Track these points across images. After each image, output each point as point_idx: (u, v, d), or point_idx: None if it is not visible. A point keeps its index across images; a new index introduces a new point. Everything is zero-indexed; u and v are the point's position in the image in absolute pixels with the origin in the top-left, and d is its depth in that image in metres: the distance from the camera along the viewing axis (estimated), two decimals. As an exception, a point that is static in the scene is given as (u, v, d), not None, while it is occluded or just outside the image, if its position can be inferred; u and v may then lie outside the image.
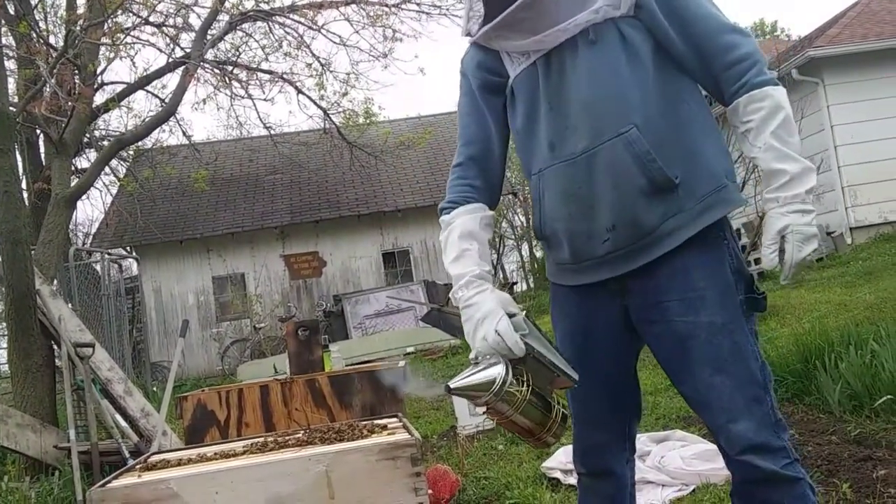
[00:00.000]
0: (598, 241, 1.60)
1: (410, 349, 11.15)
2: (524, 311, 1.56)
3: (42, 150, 12.07)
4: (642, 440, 3.74)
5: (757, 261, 10.96)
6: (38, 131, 10.92)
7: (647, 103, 1.56)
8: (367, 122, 15.21)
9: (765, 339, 5.33)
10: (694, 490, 3.12)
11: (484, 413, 1.52)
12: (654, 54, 1.58)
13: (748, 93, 1.55)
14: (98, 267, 10.59)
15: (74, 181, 8.58)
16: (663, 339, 1.62)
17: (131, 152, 15.08)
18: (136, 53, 12.10)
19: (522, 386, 1.47)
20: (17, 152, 6.32)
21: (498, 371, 1.46)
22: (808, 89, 11.42)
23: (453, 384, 1.50)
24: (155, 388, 9.96)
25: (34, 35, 8.81)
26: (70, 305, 6.45)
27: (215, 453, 1.35)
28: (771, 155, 1.52)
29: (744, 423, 1.53)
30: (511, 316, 1.54)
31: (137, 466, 1.31)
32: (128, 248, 15.52)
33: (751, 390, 1.54)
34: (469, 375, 1.50)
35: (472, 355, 1.57)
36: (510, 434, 4.63)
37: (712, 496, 2.96)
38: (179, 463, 1.30)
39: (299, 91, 13.92)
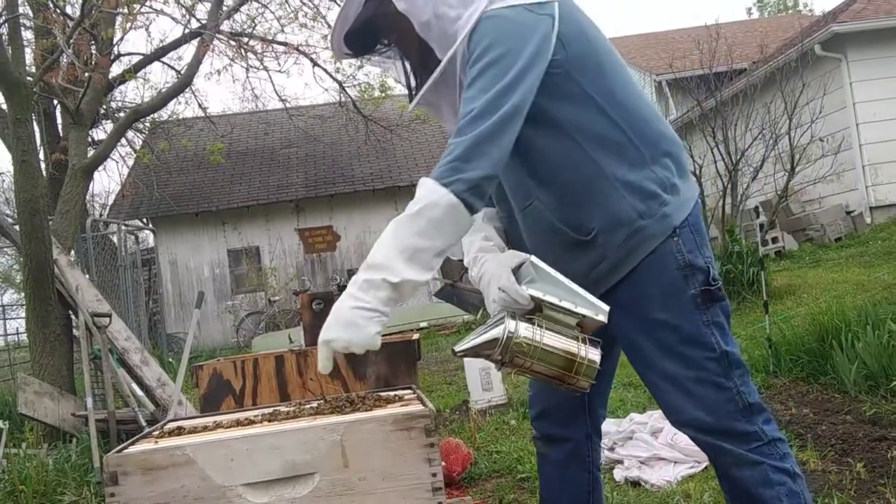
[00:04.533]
0: None
1: (424, 324, 11.18)
2: (532, 257, 1.53)
3: (59, 120, 12.12)
4: (655, 417, 3.74)
5: (774, 239, 10.88)
6: (54, 102, 10.96)
7: (540, 186, 1.62)
8: (383, 95, 15.13)
9: (780, 318, 5.29)
10: (706, 467, 3.12)
11: (501, 369, 1.51)
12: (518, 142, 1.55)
13: (422, 177, 1.51)
14: (114, 238, 10.66)
15: (91, 152, 8.59)
16: (622, 337, 1.68)
17: (147, 124, 15.12)
18: (150, 23, 12.01)
19: (534, 335, 1.44)
20: (34, 122, 6.34)
21: (503, 327, 1.44)
22: (831, 65, 11.24)
23: (459, 347, 1.49)
24: (171, 359, 10.06)
25: (51, 4, 8.80)
26: (87, 276, 6.51)
27: (231, 421, 1.35)
28: (380, 237, 1.48)
29: (694, 411, 1.59)
30: (519, 267, 1.54)
31: (154, 433, 1.32)
32: (144, 220, 15.61)
33: (705, 378, 1.57)
34: (475, 337, 1.48)
35: (478, 315, 1.59)
36: (523, 409, 4.66)
37: (725, 473, 2.96)
38: (195, 430, 1.31)
39: (315, 63, 13.85)
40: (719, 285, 1.60)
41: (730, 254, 7.37)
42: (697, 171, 8.49)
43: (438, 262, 1.47)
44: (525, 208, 1.67)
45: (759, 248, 6.35)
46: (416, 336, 1.83)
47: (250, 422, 1.33)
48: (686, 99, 11.39)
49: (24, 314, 5.79)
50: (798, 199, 11.61)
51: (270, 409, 1.42)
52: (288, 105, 15.62)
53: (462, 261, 1.78)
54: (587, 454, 1.88)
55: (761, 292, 5.00)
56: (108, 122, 13.81)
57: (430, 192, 1.44)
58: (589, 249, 1.61)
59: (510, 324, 1.44)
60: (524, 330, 1.44)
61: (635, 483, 3.15)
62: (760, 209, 11.60)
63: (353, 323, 1.38)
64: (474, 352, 1.48)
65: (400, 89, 17.76)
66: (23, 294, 7.42)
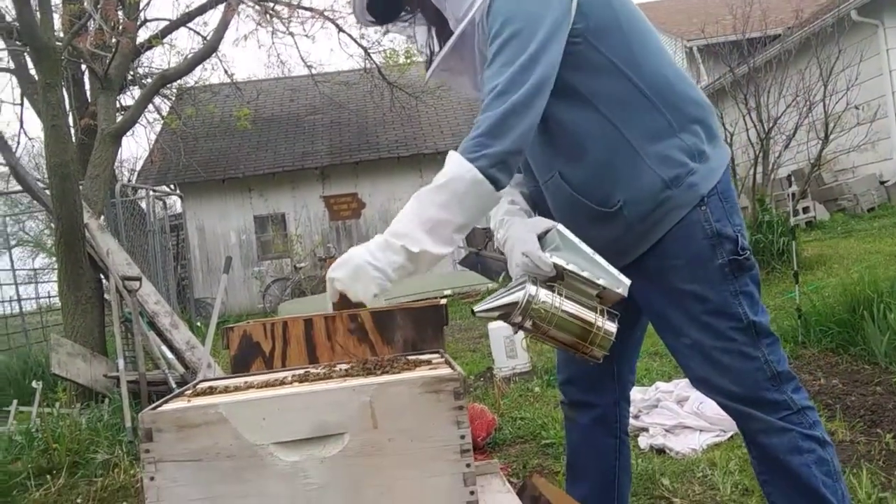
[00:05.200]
0: None
1: (448, 292, 11.21)
2: (559, 225, 1.53)
3: (87, 86, 12.20)
4: (681, 386, 3.73)
5: (805, 209, 10.71)
6: (83, 67, 11.02)
7: (561, 156, 1.60)
8: (408, 61, 15.01)
9: (810, 288, 5.23)
10: (732, 436, 3.11)
11: (517, 333, 1.52)
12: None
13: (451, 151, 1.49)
14: (143, 204, 10.77)
15: (119, 118, 8.65)
16: (647, 307, 1.67)
17: (174, 90, 15.17)
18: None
19: (554, 301, 1.44)
20: (63, 88, 6.38)
21: (524, 291, 1.44)
22: (868, 31, 10.94)
23: (479, 307, 1.49)
24: (199, 324, 10.22)
25: (78, -30, 8.81)
26: (117, 240, 6.59)
27: (261, 382, 1.37)
28: (405, 206, 1.47)
29: (722, 381, 1.58)
30: (545, 234, 1.53)
31: (186, 392, 1.34)
32: (171, 186, 15.75)
33: (732, 349, 1.56)
34: (496, 298, 1.48)
35: (501, 278, 1.60)
36: (547, 376, 4.68)
37: (751, 442, 2.95)
38: (227, 390, 1.32)
39: (340, 29, 13.77)
40: (748, 254, 1.58)
41: (760, 223, 7.26)
42: (728, 140, 8.34)
43: (459, 238, 1.47)
44: (547, 181, 1.66)
45: (790, 218, 6.25)
46: (443, 301, 1.83)
47: (281, 383, 1.34)
48: (718, 65, 11.15)
49: (55, 278, 5.89)
50: (831, 168, 11.39)
51: (301, 371, 1.43)
52: (313, 71, 15.57)
53: (486, 229, 1.78)
54: (615, 420, 1.89)
55: (791, 262, 4.94)
56: (136, 87, 13.88)
57: (455, 166, 1.43)
58: (614, 221, 1.59)
59: (531, 289, 1.44)
60: (544, 296, 1.44)
61: (660, 451, 3.16)
62: (792, 178, 11.40)
63: (358, 273, 1.42)
64: (494, 313, 1.48)
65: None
66: (54, 258, 7.55)
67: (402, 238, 1.41)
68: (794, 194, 9.67)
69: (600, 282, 1.46)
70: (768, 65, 9.41)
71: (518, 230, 1.57)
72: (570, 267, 1.46)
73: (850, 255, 7.21)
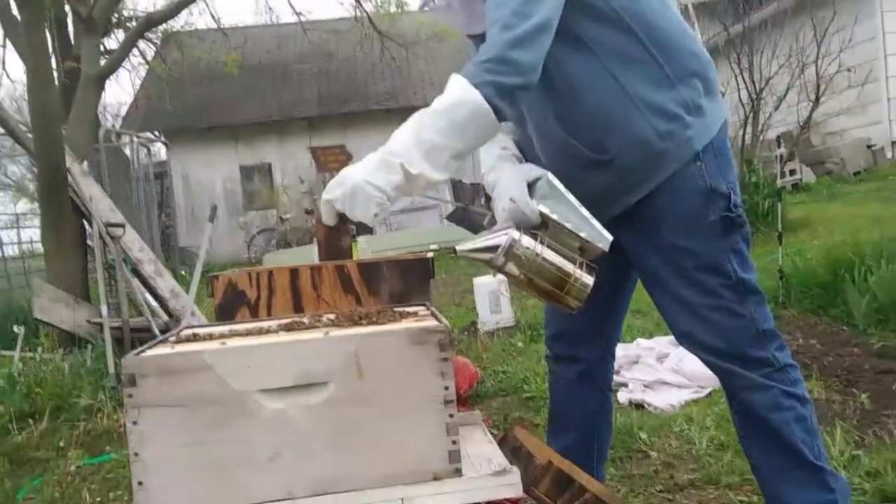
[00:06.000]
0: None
1: (434, 246, 11.22)
2: (549, 175, 1.53)
3: (71, 29, 11.90)
4: (661, 343, 3.78)
5: (792, 172, 10.73)
6: (66, 9, 10.73)
7: (557, 99, 1.56)
8: (399, 11, 14.74)
9: (793, 250, 5.27)
10: (710, 393, 3.17)
11: (495, 275, 1.54)
12: None
13: (452, 74, 1.44)
14: (127, 150, 10.62)
15: (103, 62, 8.46)
16: (637, 261, 1.68)
17: (160, 34, 14.84)
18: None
19: (535, 248, 1.45)
20: (46, 29, 6.22)
21: (507, 235, 1.45)
22: (864, -7, 10.85)
23: (461, 247, 1.51)
24: (183, 272, 10.18)
25: None
26: (100, 186, 6.51)
27: (246, 330, 1.37)
28: (400, 128, 1.43)
29: (707, 337, 1.60)
30: (535, 182, 1.53)
31: (170, 339, 1.34)
32: (156, 133, 15.52)
33: (720, 305, 1.57)
34: (478, 240, 1.50)
35: (485, 221, 1.60)
36: (530, 331, 4.71)
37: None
38: (211, 337, 1.32)
39: (330, -25, 13.47)
40: (741, 211, 1.58)
41: (746, 184, 7.29)
42: (719, 99, 8.30)
43: (454, 166, 1.43)
44: (540, 123, 1.64)
45: (777, 180, 6.27)
46: (430, 254, 1.83)
47: (266, 331, 1.34)
48: (713, 23, 11.03)
49: (38, 223, 5.83)
50: (819, 131, 11.39)
51: (286, 320, 1.43)
52: (302, 19, 15.27)
53: (474, 185, 1.76)
54: (600, 375, 1.92)
55: (776, 224, 4.96)
56: (120, 31, 13.57)
57: (459, 89, 1.38)
58: (605, 170, 1.58)
59: (514, 233, 1.45)
60: (526, 242, 1.45)
61: (639, 405, 3.21)
62: (781, 140, 11.41)
63: (357, 193, 1.37)
64: (476, 254, 1.50)
65: (416, 5, 17.25)
66: (36, 204, 7.46)
67: (400, 157, 1.37)
68: (781, 156, 9.69)
69: (583, 234, 1.48)
70: (763, 24, 9.32)
71: (508, 175, 1.57)
72: (555, 217, 1.48)
73: (835, 219, 7.27)
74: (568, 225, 1.47)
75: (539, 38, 1.41)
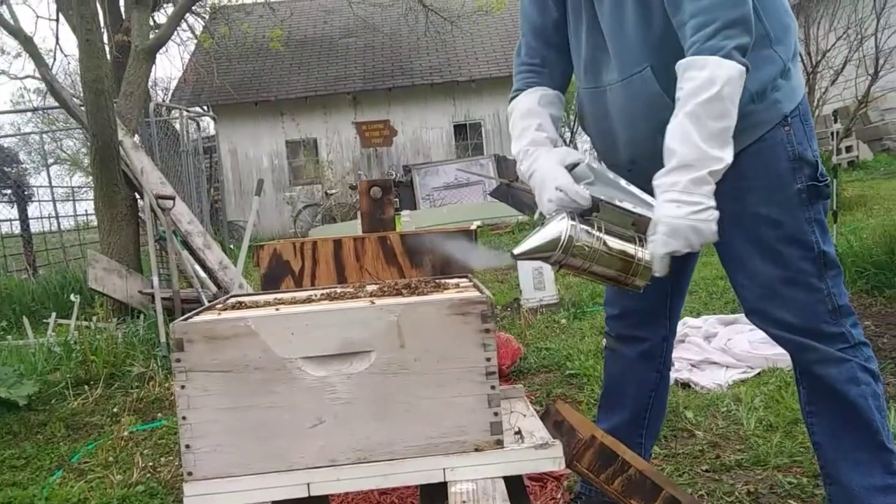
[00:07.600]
0: (623, 171, 1.55)
1: (477, 222, 11.16)
2: (587, 158, 1.50)
3: (122, 2, 12.09)
4: (710, 322, 3.71)
5: (848, 149, 10.40)
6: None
7: (660, 47, 1.49)
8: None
9: (849, 229, 5.12)
10: (759, 373, 3.10)
11: (558, 270, 1.50)
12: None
13: (691, 57, 1.37)
14: (177, 125, 10.79)
15: (153, 35, 8.58)
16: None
17: (208, 8, 14.99)
18: None
19: (594, 236, 1.41)
20: (97, 2, 6.33)
21: (562, 227, 1.41)
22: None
23: (517, 250, 1.46)
24: (231, 246, 10.35)
25: None
26: (150, 160, 6.63)
27: (290, 299, 1.38)
28: (675, 132, 1.37)
29: (781, 312, 1.55)
30: (574, 167, 1.50)
31: (217, 306, 1.36)
32: (204, 108, 15.73)
33: (798, 279, 1.52)
34: (533, 237, 1.45)
35: (535, 216, 1.56)
36: (574, 309, 4.68)
37: (777, 379, 2.94)
38: (256, 305, 1.33)
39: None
40: (827, 181, 1.53)
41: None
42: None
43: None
44: (630, 76, 1.54)
45: (832, 157, 6.07)
46: (473, 227, 1.81)
47: (309, 300, 1.35)
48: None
49: (92, 196, 5.97)
50: (877, 106, 10.99)
51: (329, 290, 1.44)
52: (348, -8, 15.25)
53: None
54: (660, 355, 1.87)
55: (831, 202, 4.82)
56: (169, 4, 13.74)
57: (722, 69, 1.34)
58: None
59: (570, 225, 1.41)
60: (584, 232, 1.41)
61: (685, 385, 3.16)
62: (837, 116, 11.05)
63: (696, 230, 1.35)
64: (534, 253, 1.45)
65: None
66: (90, 177, 7.63)
67: (703, 164, 1.35)
68: (837, 132, 9.39)
69: (638, 210, 1.43)
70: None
71: (545, 163, 1.54)
72: (605, 198, 1.44)
73: (892, 197, 7.03)
74: (623, 204, 1.44)
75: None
